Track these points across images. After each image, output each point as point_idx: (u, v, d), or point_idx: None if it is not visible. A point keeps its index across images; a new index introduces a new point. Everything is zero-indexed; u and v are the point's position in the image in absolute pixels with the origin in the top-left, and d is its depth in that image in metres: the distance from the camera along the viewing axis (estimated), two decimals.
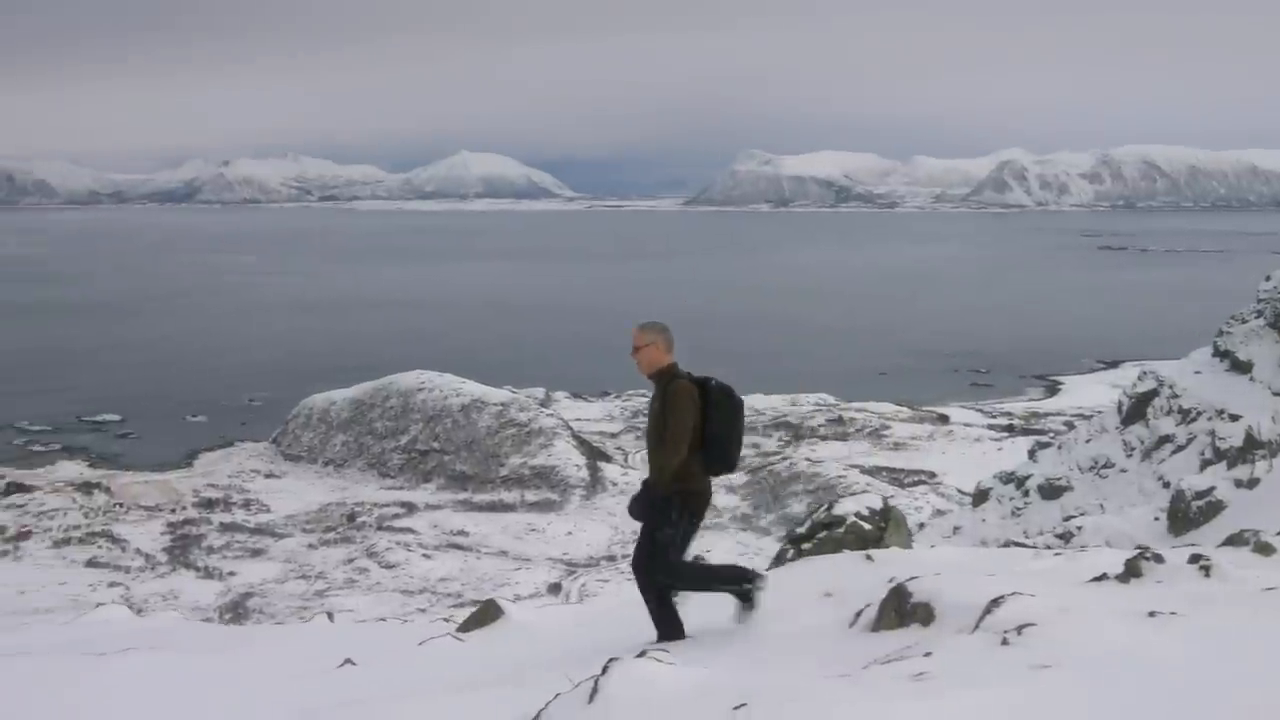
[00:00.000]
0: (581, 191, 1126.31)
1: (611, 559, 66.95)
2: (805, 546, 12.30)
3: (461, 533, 72.52)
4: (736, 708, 4.35)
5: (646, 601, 7.65)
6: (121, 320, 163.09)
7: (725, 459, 7.48)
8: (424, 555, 68.08)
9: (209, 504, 76.81)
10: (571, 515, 75.99)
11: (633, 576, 7.82)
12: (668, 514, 7.42)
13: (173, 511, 75.39)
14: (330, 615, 20.43)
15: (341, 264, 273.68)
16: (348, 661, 8.81)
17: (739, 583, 7.59)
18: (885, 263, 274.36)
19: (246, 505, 77.33)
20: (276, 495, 79.60)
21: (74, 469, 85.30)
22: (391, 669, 8.68)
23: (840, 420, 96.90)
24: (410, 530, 72.88)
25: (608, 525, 72.97)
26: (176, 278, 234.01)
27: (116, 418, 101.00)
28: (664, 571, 7.49)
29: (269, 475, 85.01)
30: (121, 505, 76.43)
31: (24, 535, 70.86)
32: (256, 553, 68.47)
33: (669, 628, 7.55)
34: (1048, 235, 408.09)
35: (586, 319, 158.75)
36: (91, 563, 66.81)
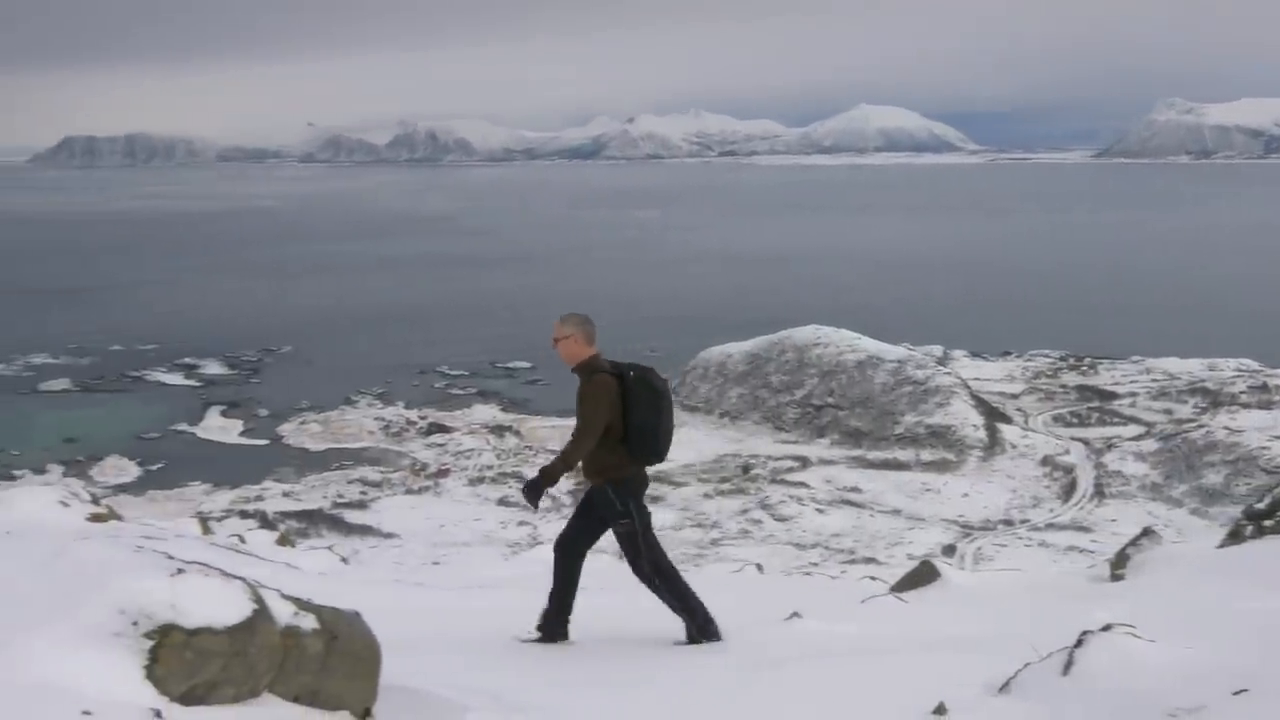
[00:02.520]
0: (985, 144, 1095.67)
1: (1009, 523, 64.42)
2: (1266, 524, 11.48)
3: (855, 489, 71.03)
4: (1236, 693, 4.09)
5: (662, 599, 7.56)
6: (532, 272, 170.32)
7: (650, 448, 7.41)
8: (817, 510, 67.02)
9: None
10: (968, 476, 73.31)
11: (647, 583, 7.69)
12: (614, 507, 7.44)
13: None
14: (760, 567, 20.00)
15: (739, 219, 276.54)
16: (795, 615, 8.34)
17: (702, 624, 7.42)
18: None
19: None
20: (675, 445, 79.99)
21: (488, 412, 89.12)
22: (840, 624, 8.29)
23: (1265, 388, 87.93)
24: (804, 484, 71.95)
25: (1005, 488, 70.05)
26: (583, 232, 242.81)
27: (527, 364, 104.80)
28: (655, 566, 7.49)
29: None
30: (530, 448, 79.14)
31: (444, 473, 74.47)
32: (655, 499, 68.66)
33: (695, 614, 7.44)
34: None
35: (987, 276, 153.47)
36: (503, 501, 69.28)
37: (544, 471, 7.35)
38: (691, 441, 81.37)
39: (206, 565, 4.51)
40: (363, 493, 71.81)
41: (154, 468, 75.30)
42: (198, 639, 4.15)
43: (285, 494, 71.13)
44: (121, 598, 4.21)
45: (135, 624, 4.14)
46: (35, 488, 10.34)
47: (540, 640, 7.42)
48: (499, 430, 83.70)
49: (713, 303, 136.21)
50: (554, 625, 7.52)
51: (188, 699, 4.13)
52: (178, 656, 4.11)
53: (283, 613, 4.43)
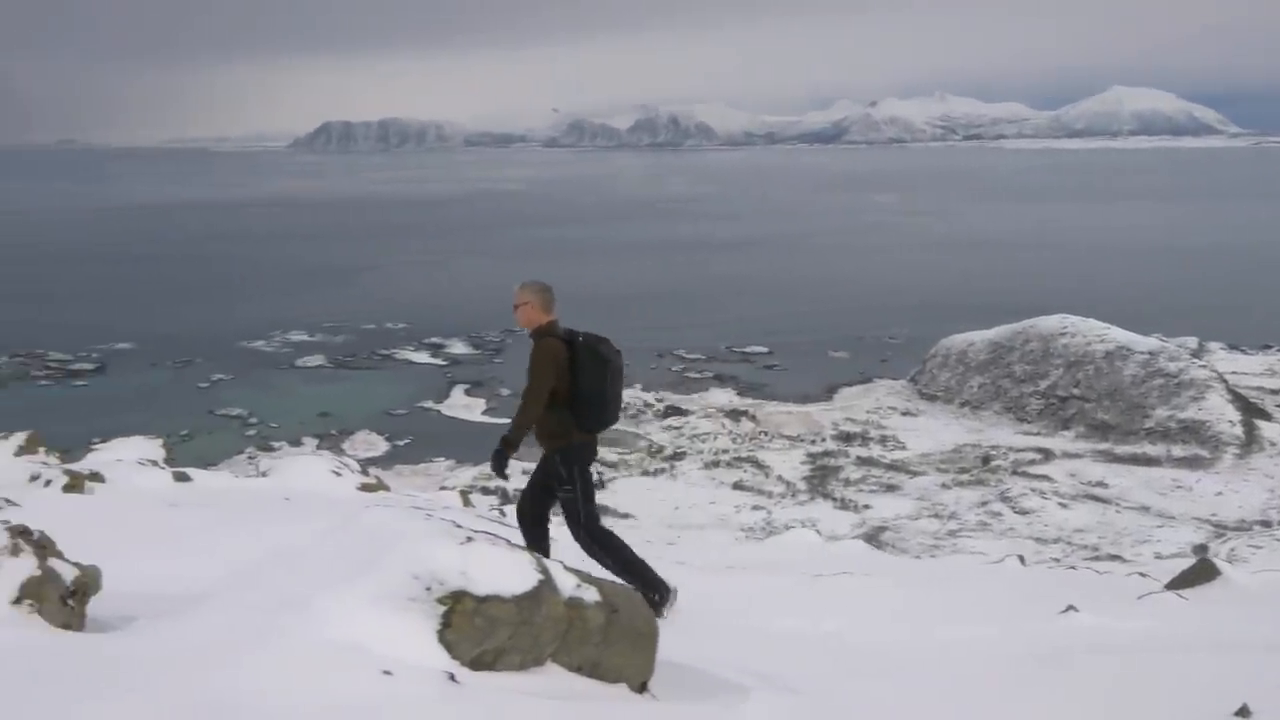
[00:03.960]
0: (1248, 127, 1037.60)
1: (1266, 524, 61.02)
2: None
3: (1100, 484, 68.43)
4: None
5: (604, 565, 7.40)
6: (772, 257, 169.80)
7: (595, 415, 7.44)
8: (1060, 504, 64.86)
9: (847, 437, 77.51)
10: (1223, 474, 69.85)
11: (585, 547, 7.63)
12: (558, 474, 7.49)
13: (813, 442, 76.79)
14: (1022, 559, 19.67)
15: (984, 204, 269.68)
16: (1070, 608, 8.14)
17: (652, 590, 7.21)
18: None
19: (883, 441, 77.28)
20: (912, 433, 78.99)
21: (724, 397, 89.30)
22: (1120, 620, 8.05)
23: None
24: (1046, 478, 69.73)
25: (1263, 488, 66.66)
26: (823, 216, 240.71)
27: (764, 350, 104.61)
28: (585, 536, 7.50)
29: (905, 413, 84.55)
30: (766, 433, 78.96)
31: (679, 455, 74.91)
32: (891, 488, 68.16)
33: (645, 579, 7.29)
34: None
35: (1248, 266, 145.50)
36: (737, 485, 69.33)
37: (504, 440, 7.35)
38: (929, 430, 79.96)
39: (493, 535, 4.62)
40: (599, 473, 73.00)
41: (401, 443, 78.11)
42: (487, 606, 4.25)
43: (524, 472, 72.56)
44: (415, 563, 4.36)
45: (428, 589, 4.28)
46: (309, 458, 10.83)
47: None
48: (735, 414, 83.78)
49: (954, 289, 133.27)
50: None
51: (477, 664, 4.24)
52: (469, 622, 4.22)
53: (566, 584, 4.51)
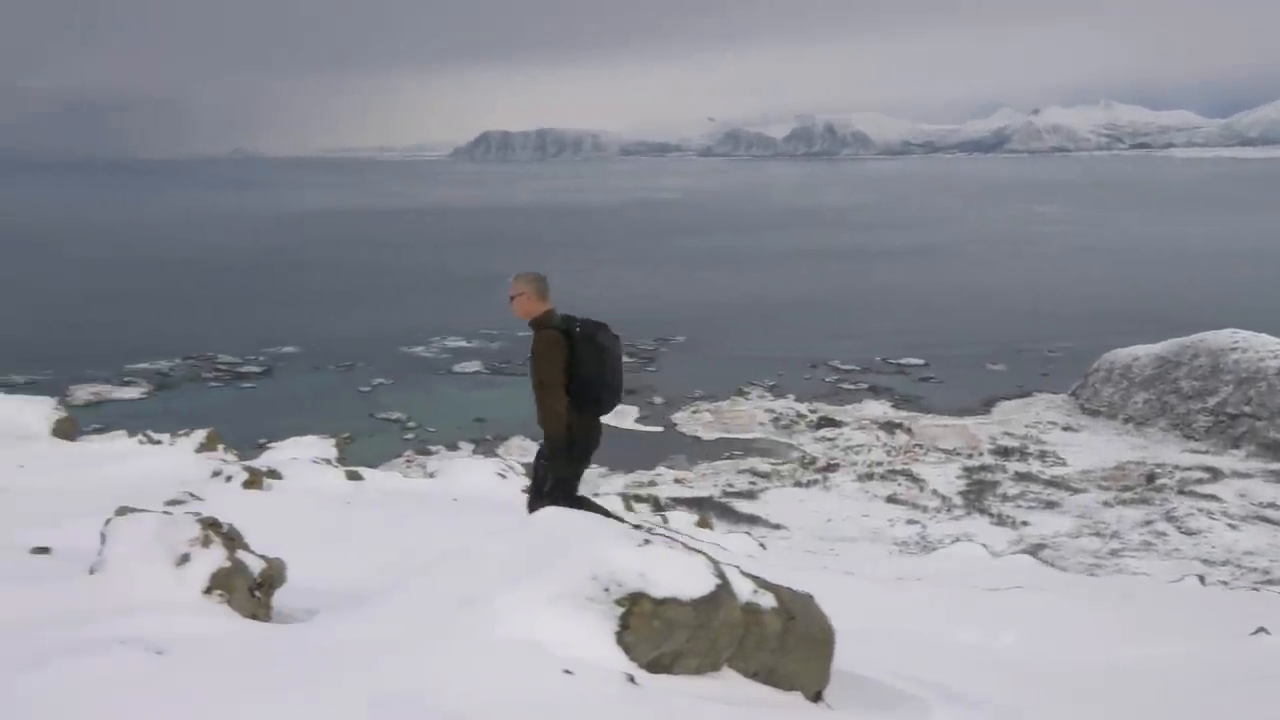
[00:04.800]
0: None
1: None
2: None
3: (1272, 505, 65.86)
4: None
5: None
6: (929, 267, 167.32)
7: (593, 401, 7.51)
8: (1229, 525, 62.41)
9: (1005, 452, 75.90)
10: None
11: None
12: (551, 454, 7.56)
13: (969, 456, 75.40)
14: (1202, 579, 18.99)
15: (1150, 214, 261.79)
16: (1261, 630, 7.85)
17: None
18: None
19: (1042, 456, 75.45)
20: (1073, 449, 76.96)
21: (879, 408, 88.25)
22: None
23: None
24: (1214, 497, 67.19)
25: None
26: (983, 226, 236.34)
27: (920, 361, 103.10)
28: (540, 501, 7.34)
29: (1066, 428, 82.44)
30: (921, 446, 77.80)
31: (832, 467, 74.32)
32: (1050, 505, 66.47)
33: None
34: None
35: None
36: (891, 499, 68.43)
37: (549, 442, 7.48)
38: (1091, 446, 77.81)
39: (670, 538, 4.62)
40: (751, 483, 72.64)
41: None
42: (665, 609, 4.25)
43: (676, 480, 72.86)
44: (594, 564, 4.38)
45: (607, 590, 4.29)
46: (475, 460, 11.00)
47: None
48: (889, 427, 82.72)
49: (1118, 302, 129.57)
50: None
51: (654, 667, 4.24)
52: (647, 624, 4.22)
53: (743, 589, 4.49)
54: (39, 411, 14.34)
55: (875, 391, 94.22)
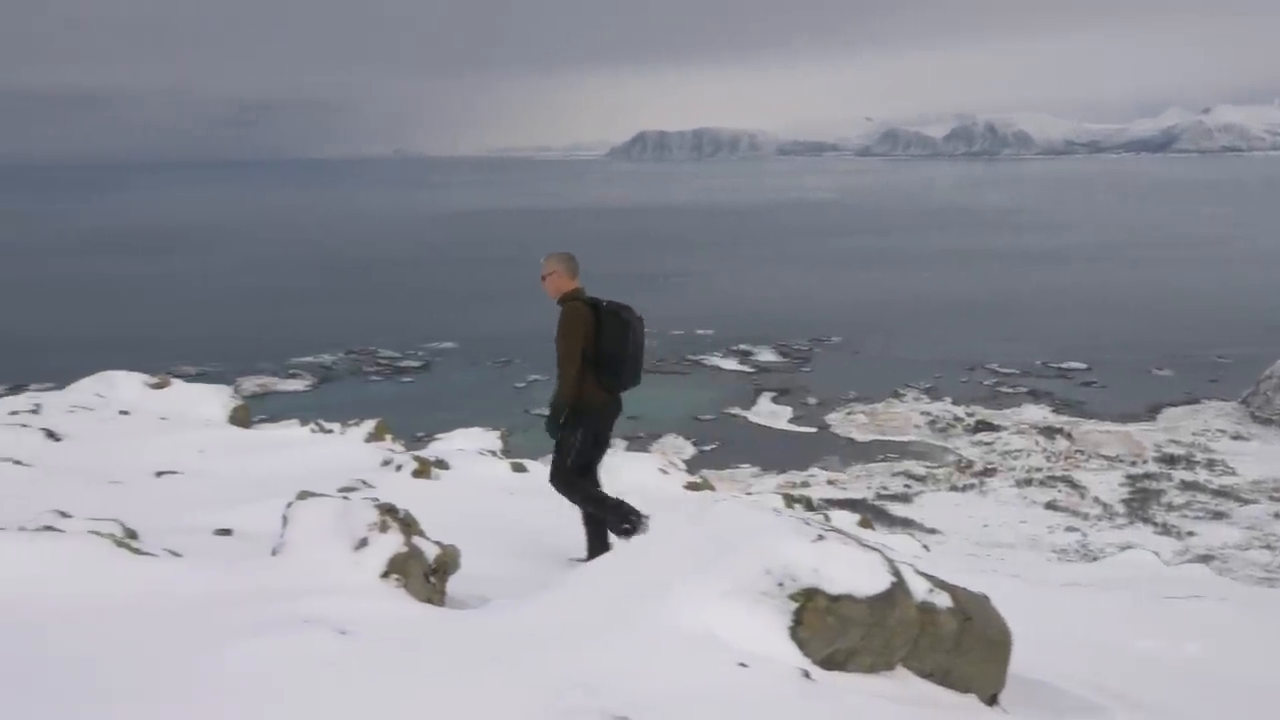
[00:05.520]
0: None
1: None
2: None
3: None
4: None
5: (576, 504, 7.95)
6: (1092, 269, 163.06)
7: (615, 376, 7.75)
8: None
9: (1170, 460, 73.60)
10: None
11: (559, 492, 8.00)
12: (570, 425, 7.81)
13: (1132, 464, 73.31)
14: None
15: None
16: None
17: (623, 519, 7.65)
18: None
19: (1210, 465, 72.97)
20: (1243, 458, 74.22)
21: (1038, 413, 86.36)
22: None
23: None
24: None
25: None
26: (1150, 228, 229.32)
27: (1082, 366, 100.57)
28: (561, 481, 7.86)
29: (1236, 437, 79.57)
30: (1082, 452, 75.98)
31: (989, 472, 73.05)
32: (1218, 515, 64.30)
33: (615, 510, 7.77)
34: None
35: None
36: (1050, 505, 66.96)
37: (552, 406, 7.79)
38: (1263, 456, 74.94)
39: (844, 534, 4.58)
40: (906, 486, 71.78)
41: (707, 448, 78.87)
42: (840, 605, 4.22)
43: (830, 482, 72.31)
44: (767, 558, 4.36)
45: (781, 585, 4.28)
46: (637, 456, 11.08)
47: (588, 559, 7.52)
48: (1049, 432, 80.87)
49: None
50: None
51: (828, 663, 4.21)
52: (821, 620, 4.19)
53: (919, 588, 4.43)
54: (216, 400, 14.87)
55: (1035, 395, 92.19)
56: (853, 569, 4.31)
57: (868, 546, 4.50)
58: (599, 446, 8.07)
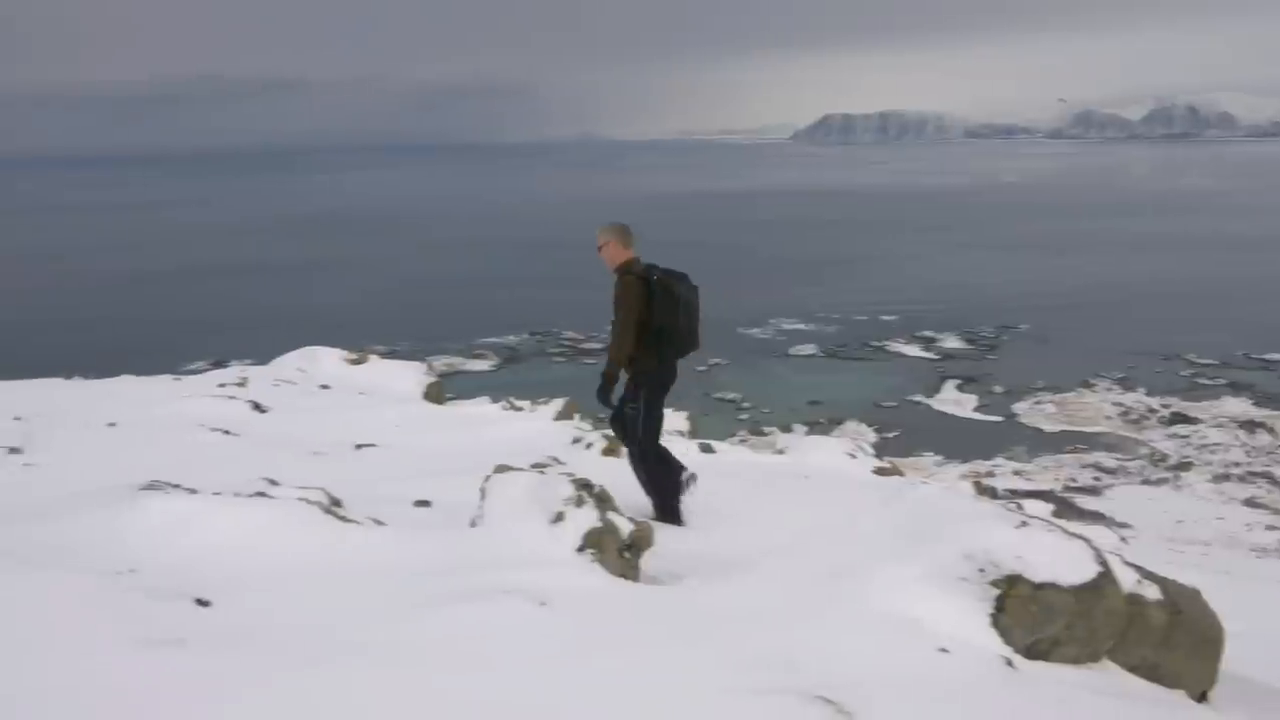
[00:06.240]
0: None
1: None
2: None
3: None
4: None
5: (638, 476, 8.22)
6: None
7: (670, 344, 8.01)
8: None
9: None
10: None
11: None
12: (630, 393, 8.07)
13: None
14: None
15: None
16: None
17: (666, 516, 7.95)
18: None
19: None
20: None
21: (1238, 406, 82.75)
22: None
23: None
24: None
25: None
26: None
27: None
28: (643, 451, 8.11)
29: None
30: None
31: (1184, 466, 70.38)
32: None
33: (665, 503, 8.07)
34: None
35: None
36: (1249, 502, 64.10)
37: (604, 374, 7.92)
38: None
39: (1047, 521, 4.48)
40: (1095, 478, 69.54)
41: (889, 435, 77.63)
42: (1044, 594, 4.13)
43: (1015, 472, 70.51)
44: (968, 543, 4.29)
45: (981, 571, 4.20)
46: (825, 439, 11.01)
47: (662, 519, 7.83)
48: (1250, 426, 77.33)
49: None
50: (673, 508, 8.05)
51: (1030, 653, 4.13)
52: (1024, 609, 4.11)
53: (1127, 579, 4.31)
54: (411, 376, 15.30)
55: (1235, 388, 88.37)
56: (1057, 557, 4.21)
57: (1072, 534, 4.40)
58: (659, 409, 8.28)
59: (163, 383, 15.36)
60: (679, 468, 8.34)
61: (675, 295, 8.02)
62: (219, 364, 36.06)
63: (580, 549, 5.32)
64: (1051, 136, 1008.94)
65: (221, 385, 13.94)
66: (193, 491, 5.86)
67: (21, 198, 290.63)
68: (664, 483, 8.22)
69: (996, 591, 4.11)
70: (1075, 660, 4.15)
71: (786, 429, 74.97)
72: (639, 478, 8.30)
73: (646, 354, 8.03)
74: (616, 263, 8.21)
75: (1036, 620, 4.07)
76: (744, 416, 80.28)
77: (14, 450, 8.63)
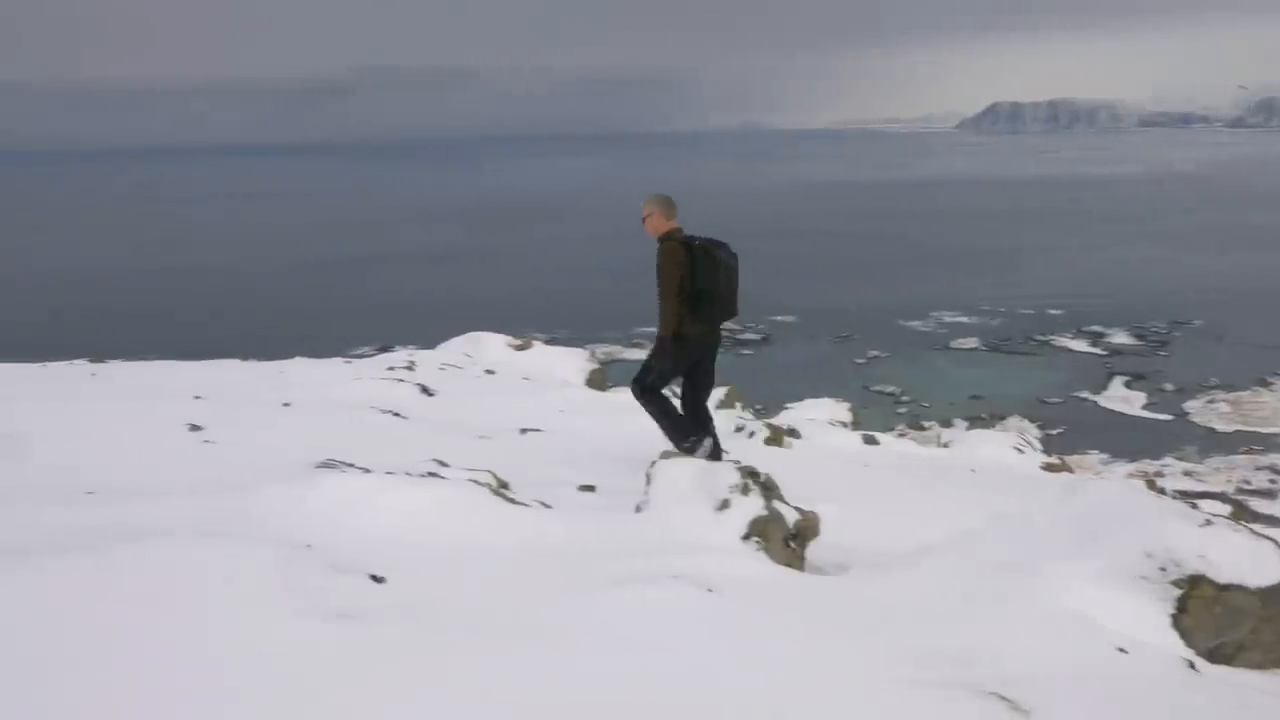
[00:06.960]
0: None
1: None
2: None
3: None
4: None
5: (650, 413, 8.45)
6: None
7: (708, 309, 8.07)
8: None
9: None
10: None
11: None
12: (660, 348, 8.21)
13: None
14: None
15: None
16: None
17: (684, 437, 8.23)
18: None
19: None
20: None
21: None
22: None
23: None
24: None
25: None
26: None
27: None
28: (641, 386, 8.36)
29: None
30: None
31: None
32: None
33: (679, 428, 8.30)
34: None
35: None
36: None
37: (659, 339, 8.07)
38: None
39: (1234, 521, 4.33)
40: (1271, 481, 66.85)
41: (1053, 431, 75.75)
42: (1228, 595, 4.00)
43: (1186, 473, 68.21)
44: (1149, 541, 4.18)
45: (1163, 570, 4.09)
46: (992, 433, 10.83)
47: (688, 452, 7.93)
48: None
49: None
50: (695, 440, 8.15)
51: (1214, 656, 4.00)
52: (1207, 610, 3.99)
53: None
54: (574, 363, 15.49)
55: None
56: (1243, 557, 4.07)
57: (1259, 535, 4.24)
58: (704, 378, 8.45)
59: (334, 365, 15.82)
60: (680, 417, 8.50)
61: (716, 259, 8.13)
62: (385, 348, 37.00)
63: (745, 537, 5.32)
64: (1232, 125, 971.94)
65: (391, 369, 14.28)
66: (366, 470, 6.03)
67: (195, 185, 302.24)
68: (671, 410, 8.41)
69: (1178, 591, 3.99)
70: (1261, 665, 4.01)
71: (946, 423, 73.78)
72: (650, 412, 8.47)
73: (689, 319, 8.12)
74: (659, 232, 8.32)
75: (1221, 623, 3.94)
76: (903, 410, 79.21)
77: (195, 427, 8.96)
